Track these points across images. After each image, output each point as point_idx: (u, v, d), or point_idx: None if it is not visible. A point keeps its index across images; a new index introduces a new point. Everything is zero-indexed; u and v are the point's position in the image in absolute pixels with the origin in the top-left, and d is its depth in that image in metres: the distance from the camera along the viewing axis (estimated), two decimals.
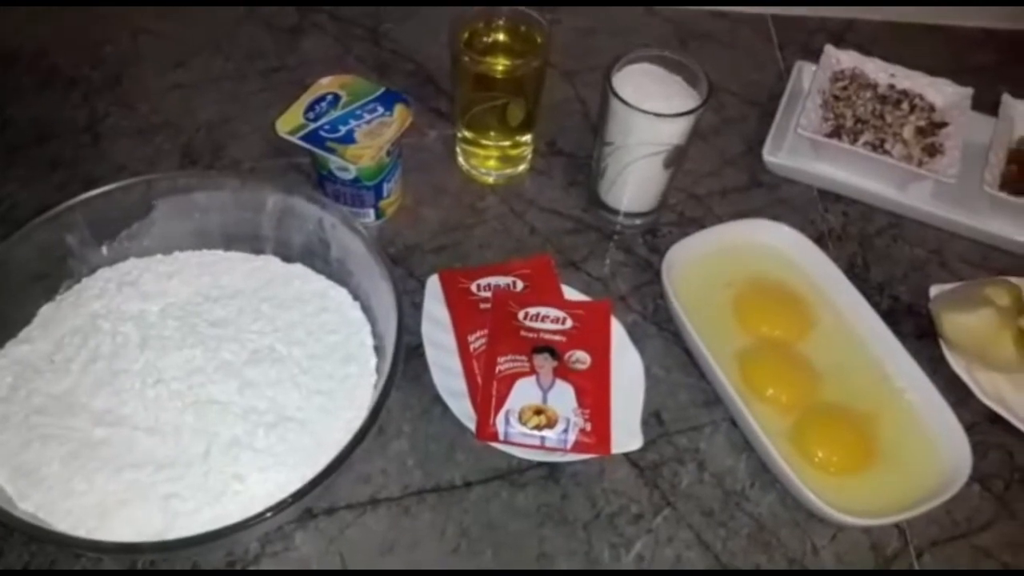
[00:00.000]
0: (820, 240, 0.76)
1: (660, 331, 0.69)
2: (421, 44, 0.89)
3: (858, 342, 0.66)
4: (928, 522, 0.60)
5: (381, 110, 0.69)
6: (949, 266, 0.75)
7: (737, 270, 0.70)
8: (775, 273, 0.70)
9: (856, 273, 0.74)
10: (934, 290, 0.70)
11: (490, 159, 0.77)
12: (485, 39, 0.72)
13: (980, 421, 0.65)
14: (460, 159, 0.78)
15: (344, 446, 0.49)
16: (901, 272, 0.74)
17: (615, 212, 0.75)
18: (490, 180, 0.78)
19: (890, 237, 0.77)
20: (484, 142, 0.76)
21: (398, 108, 0.69)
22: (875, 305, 0.71)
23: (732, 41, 0.93)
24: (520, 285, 0.69)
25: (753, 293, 0.68)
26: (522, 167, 0.79)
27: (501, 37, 0.72)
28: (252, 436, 0.52)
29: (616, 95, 0.65)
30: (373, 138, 0.68)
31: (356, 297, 0.62)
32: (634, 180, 0.71)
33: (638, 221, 0.75)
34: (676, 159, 0.69)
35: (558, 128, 0.82)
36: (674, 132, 0.66)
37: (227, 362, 0.55)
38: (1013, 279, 0.70)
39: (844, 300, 0.67)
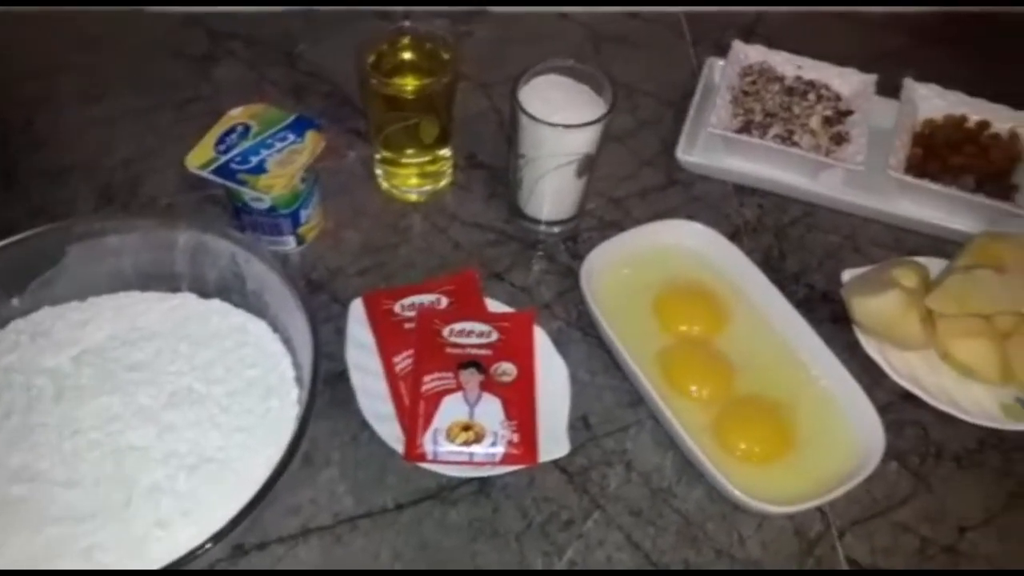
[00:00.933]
0: (736, 234, 0.78)
1: (585, 336, 0.70)
2: (336, 65, 0.89)
3: (774, 333, 0.68)
4: (849, 502, 0.62)
5: (292, 137, 0.69)
6: (862, 250, 0.77)
7: (655, 271, 0.71)
8: (691, 271, 0.71)
9: (772, 264, 0.76)
10: (846, 275, 0.72)
11: (410, 177, 0.78)
12: (392, 60, 0.72)
13: (895, 400, 0.67)
14: (380, 179, 0.79)
15: (259, 488, 0.49)
16: (816, 260, 0.76)
17: (536, 222, 0.76)
18: (412, 198, 0.78)
19: (804, 226, 0.79)
20: (402, 161, 0.76)
21: (309, 134, 0.70)
22: (791, 294, 0.73)
23: (646, 42, 0.94)
24: (445, 302, 0.70)
25: (671, 293, 0.70)
26: (443, 182, 0.79)
27: (408, 56, 0.72)
28: (173, 480, 0.52)
29: (522, 109, 0.66)
30: (285, 166, 0.68)
31: (275, 329, 0.62)
32: (550, 190, 0.72)
33: (558, 229, 0.76)
34: (588, 167, 0.70)
35: (476, 141, 0.83)
36: (582, 141, 0.67)
37: (145, 407, 0.55)
38: (921, 259, 0.72)
39: (759, 293, 0.69)
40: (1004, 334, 0.65)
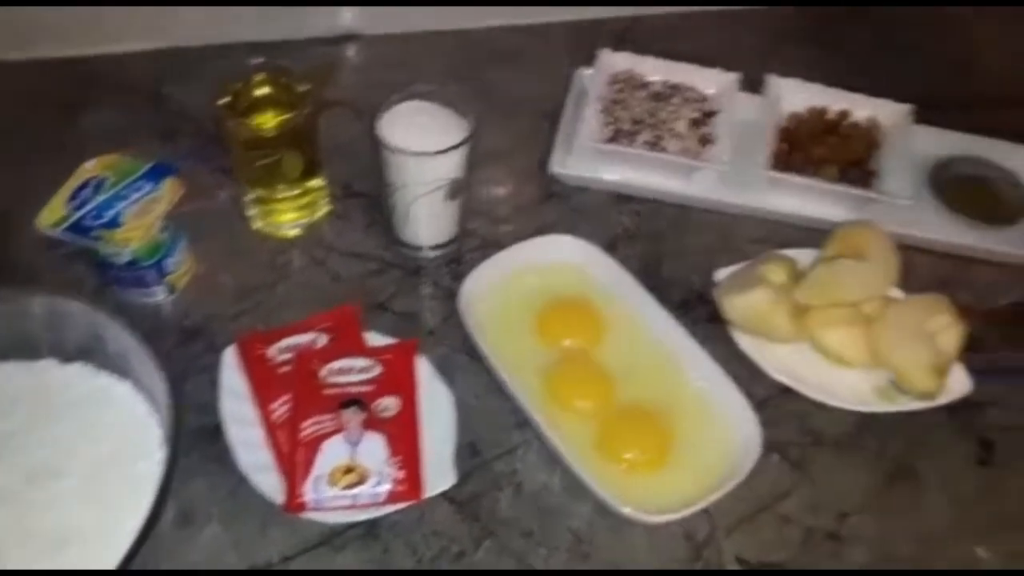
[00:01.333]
0: (615, 242, 0.78)
1: (471, 360, 0.70)
2: (204, 103, 0.87)
3: (651, 340, 0.68)
4: (734, 500, 0.63)
5: (149, 187, 0.68)
6: (737, 248, 0.78)
7: (534, 288, 0.71)
8: (570, 285, 0.72)
9: (650, 269, 0.76)
10: (719, 274, 0.73)
11: (283, 212, 0.76)
12: (248, 97, 0.71)
13: (774, 393, 0.69)
14: (253, 217, 0.77)
15: (123, 556, 0.47)
16: (692, 261, 0.77)
17: (415, 247, 0.75)
18: (288, 233, 0.77)
19: (680, 228, 0.80)
20: (272, 197, 0.75)
21: (167, 182, 0.68)
22: (670, 297, 0.74)
23: (522, 55, 0.94)
24: (323, 340, 0.69)
25: (550, 308, 0.70)
26: (319, 214, 0.78)
27: (264, 92, 0.71)
28: (35, 562, 0.50)
29: (380, 140, 0.65)
30: (142, 217, 0.66)
31: (140, 389, 0.60)
32: (423, 216, 0.71)
33: (439, 252, 0.76)
34: (459, 190, 0.70)
35: (352, 168, 0.82)
36: (448, 167, 0.67)
37: (3, 487, 0.53)
38: (793, 251, 0.74)
39: (635, 301, 0.70)
40: (870, 319, 0.67)
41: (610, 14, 0.97)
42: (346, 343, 0.69)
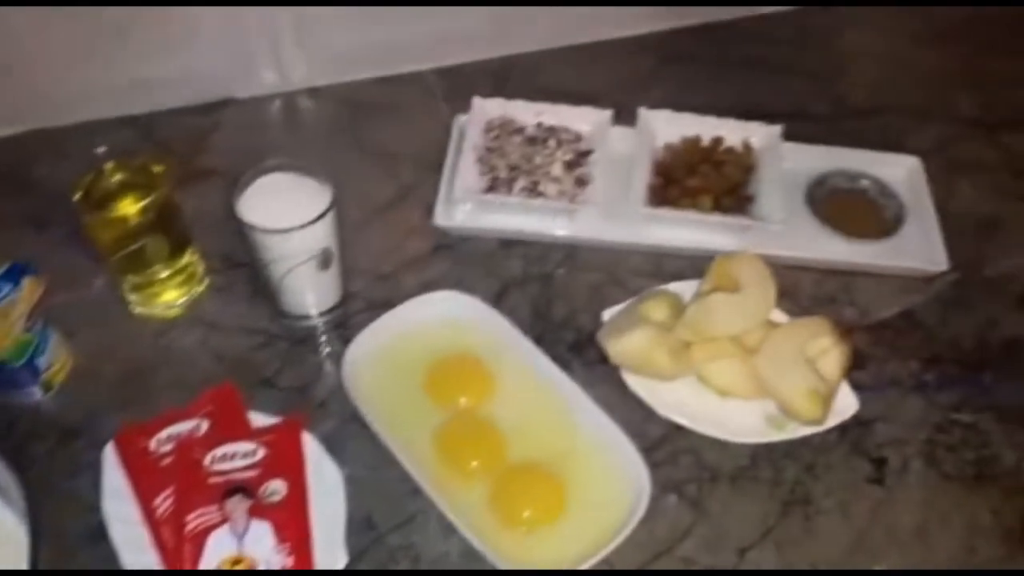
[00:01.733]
0: (505, 289, 0.78)
1: (364, 429, 0.68)
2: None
3: (540, 392, 0.68)
4: (634, 547, 0.62)
5: (6, 288, 0.65)
6: (625, 284, 0.78)
7: (421, 347, 0.71)
8: (456, 341, 0.71)
9: (540, 313, 0.76)
10: (606, 315, 0.73)
11: (160, 293, 0.74)
12: (105, 186, 0.69)
13: (669, 431, 0.69)
14: (133, 301, 0.75)
15: None
16: (581, 301, 0.77)
17: (299, 316, 0.74)
18: (168, 313, 0.75)
19: (568, 269, 0.79)
20: (146, 280, 0.73)
21: (26, 282, 0.66)
22: (561, 340, 0.74)
23: (400, 105, 0.93)
24: (205, 426, 0.67)
25: (438, 367, 0.69)
26: (199, 289, 0.76)
27: (119, 178, 0.69)
28: None
29: (238, 218, 0.64)
30: (2, 320, 0.64)
31: (8, 502, 0.57)
32: (299, 287, 0.70)
33: (325, 319, 0.74)
34: (329, 259, 0.68)
35: (232, 239, 0.78)
36: (312, 239, 0.66)
37: None
38: (676, 285, 0.74)
39: (522, 353, 0.69)
40: (752, 349, 0.67)
41: (478, 56, 0.97)
42: (229, 427, 0.67)
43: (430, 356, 0.70)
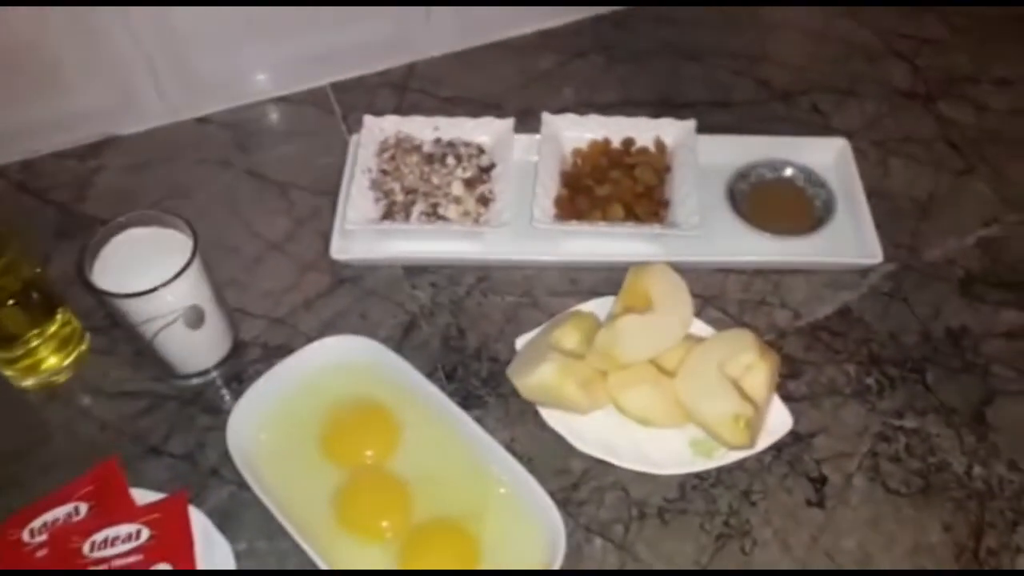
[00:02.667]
0: (413, 321, 0.72)
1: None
2: None
3: (448, 439, 0.62)
4: None
5: None
6: (540, 304, 0.72)
7: (316, 400, 0.64)
8: (355, 390, 0.65)
9: (452, 344, 0.71)
10: (519, 342, 0.68)
11: (34, 364, 0.68)
12: None
13: (592, 466, 0.64)
14: (12, 376, 0.68)
15: None
16: (496, 328, 0.71)
17: (186, 375, 0.68)
18: (57, 380, 0.68)
19: (480, 293, 0.74)
20: (13, 354, 0.66)
21: None
22: (474, 375, 0.69)
23: (295, 127, 0.87)
24: (84, 509, 0.61)
25: (335, 421, 0.63)
26: (79, 351, 0.70)
27: None
28: None
29: (87, 284, 0.58)
30: None
31: None
32: (174, 348, 0.64)
33: (215, 373, 0.68)
34: (199, 317, 0.62)
35: None
36: (176, 297, 0.59)
37: None
38: (592, 304, 0.69)
39: (427, 398, 0.63)
40: (671, 372, 0.62)
41: (378, 65, 0.90)
42: (110, 508, 0.61)
43: (326, 409, 0.64)
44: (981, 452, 0.63)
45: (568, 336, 0.64)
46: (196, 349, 0.65)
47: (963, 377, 0.67)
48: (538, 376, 0.60)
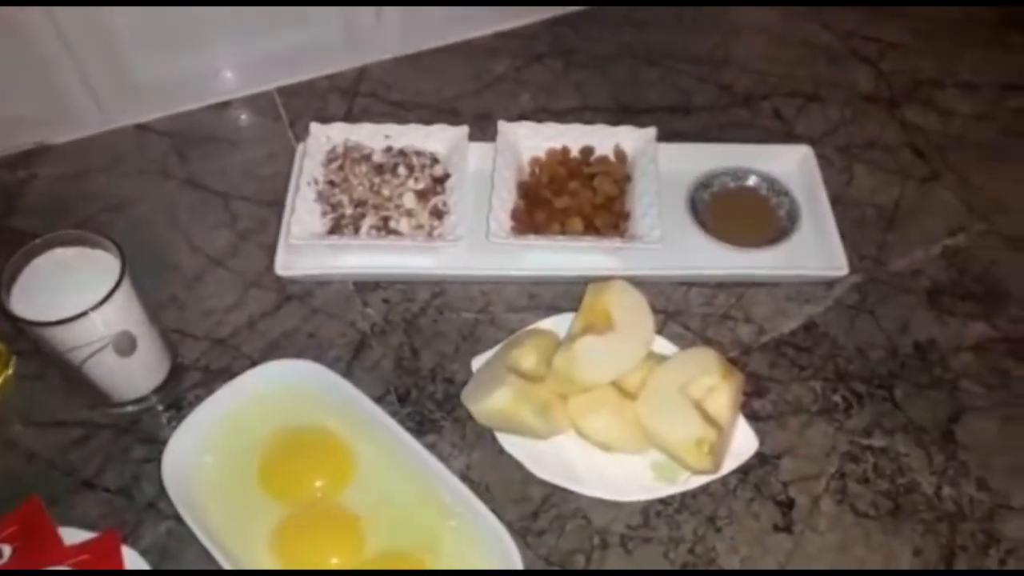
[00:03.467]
0: (364, 341, 0.69)
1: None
2: None
3: (399, 469, 0.59)
4: None
5: None
6: (498, 321, 0.69)
7: (261, 429, 0.61)
8: (303, 418, 0.61)
9: (406, 365, 0.67)
10: (475, 363, 0.65)
11: None
12: None
13: (552, 492, 0.61)
14: None
15: None
16: (451, 347, 0.68)
17: (121, 403, 0.64)
18: None
19: (436, 310, 0.70)
20: None
21: None
22: (429, 397, 0.65)
23: (240, 134, 0.83)
24: (8, 552, 0.57)
25: (281, 452, 0.60)
26: (8, 372, 0.66)
27: None
28: None
29: (3, 310, 0.53)
30: None
31: None
32: (104, 376, 0.60)
33: (153, 399, 0.64)
34: (129, 343, 0.58)
35: None
36: (104, 323, 0.55)
37: None
38: (551, 321, 0.66)
39: (376, 425, 0.60)
40: (633, 394, 0.59)
41: (327, 69, 0.86)
42: (37, 550, 0.56)
43: (271, 439, 0.60)
44: (950, 472, 0.62)
45: (526, 357, 0.61)
46: (130, 376, 0.61)
47: (931, 393, 0.65)
48: (493, 402, 0.57)
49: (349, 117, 0.83)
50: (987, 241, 0.75)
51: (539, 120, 0.80)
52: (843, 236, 0.71)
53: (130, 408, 0.64)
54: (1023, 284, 0.71)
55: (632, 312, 0.60)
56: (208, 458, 0.59)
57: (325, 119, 0.81)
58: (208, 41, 0.80)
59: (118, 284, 0.54)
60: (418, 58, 0.88)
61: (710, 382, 0.59)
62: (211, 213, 0.76)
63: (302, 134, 0.79)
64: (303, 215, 0.69)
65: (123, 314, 0.56)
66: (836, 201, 0.75)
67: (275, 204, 0.75)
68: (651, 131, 0.74)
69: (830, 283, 0.71)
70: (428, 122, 0.80)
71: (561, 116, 0.83)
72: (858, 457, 0.62)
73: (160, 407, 0.65)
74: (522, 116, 0.82)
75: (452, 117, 0.83)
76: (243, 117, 0.84)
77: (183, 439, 0.59)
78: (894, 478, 0.61)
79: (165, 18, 0.76)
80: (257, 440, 0.60)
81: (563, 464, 0.60)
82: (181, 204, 0.77)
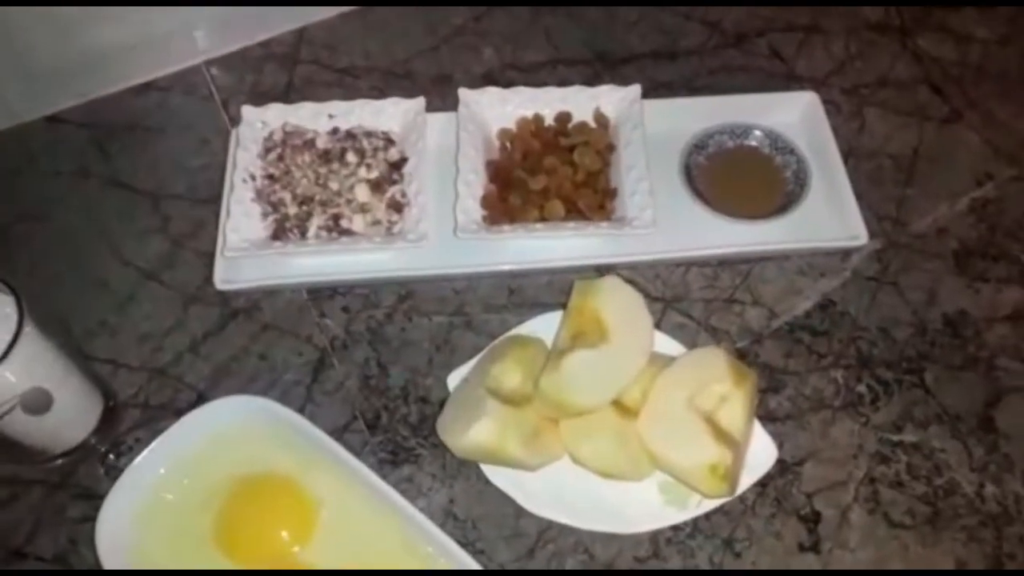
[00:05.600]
0: (321, 362, 0.60)
1: None
2: None
3: (370, 516, 0.51)
4: None
5: None
6: (475, 324, 0.61)
7: (208, 481, 0.53)
8: (256, 464, 0.53)
9: (374, 385, 0.59)
10: (451, 380, 0.57)
11: None
12: None
13: (550, 526, 0.53)
14: None
15: None
16: (424, 359, 0.60)
17: (47, 458, 0.55)
18: None
19: (403, 316, 0.62)
20: None
21: None
22: (402, 421, 0.58)
23: (166, 119, 0.72)
24: None
25: (231, 507, 0.52)
26: None
27: None
28: None
29: None
30: None
31: None
32: (23, 435, 0.51)
33: (86, 448, 0.56)
34: (42, 401, 0.50)
35: None
36: (7, 382, 0.47)
37: None
38: (534, 323, 0.58)
39: (341, 467, 0.52)
40: (633, 411, 0.52)
41: (261, 34, 0.75)
42: None
43: (221, 492, 0.52)
44: (992, 467, 0.55)
45: (508, 374, 0.53)
46: (51, 432, 0.53)
47: (966, 375, 0.58)
48: (473, 436, 0.49)
49: (290, 91, 0.72)
50: (1018, 188, 0.66)
51: (507, 80, 0.70)
52: (858, 197, 0.63)
53: (60, 461, 0.56)
54: None
55: (626, 314, 0.52)
56: (151, 519, 0.51)
57: (262, 95, 0.71)
58: (117, 12, 0.69)
59: (16, 337, 0.46)
60: (364, 14, 0.77)
61: (721, 390, 0.51)
62: (140, 217, 0.67)
63: (237, 115, 0.68)
64: (239, 219, 0.59)
65: (29, 369, 0.47)
66: (848, 154, 0.66)
67: (211, 201, 0.66)
68: (635, 89, 0.64)
69: (846, 252, 0.63)
70: (380, 89, 0.71)
71: (531, 73, 0.73)
72: (889, 457, 0.55)
73: (96, 456, 0.57)
74: (487, 76, 0.73)
75: (407, 82, 0.73)
76: (169, 100, 0.73)
77: (120, 501, 0.51)
78: (930, 479, 0.55)
79: None
80: (207, 493, 0.52)
81: (558, 495, 0.52)
82: (106, 208, 0.68)
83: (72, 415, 0.54)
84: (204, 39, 0.73)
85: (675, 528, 0.53)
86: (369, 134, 0.63)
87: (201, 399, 0.58)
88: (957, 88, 0.72)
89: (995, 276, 0.62)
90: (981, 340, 0.59)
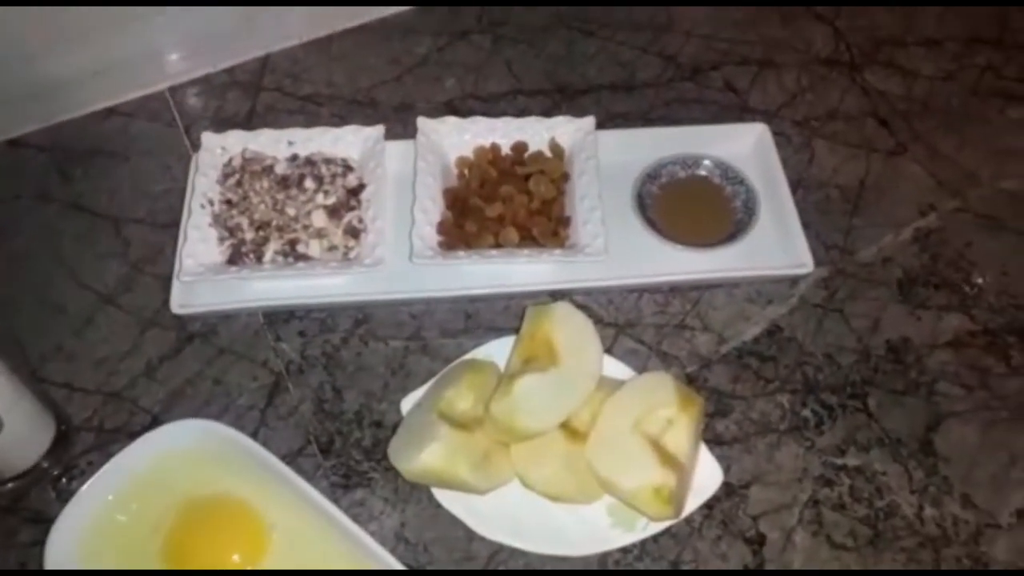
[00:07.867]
0: (276, 386, 0.61)
1: None
2: None
3: (320, 541, 0.51)
4: None
5: None
6: (431, 349, 0.62)
7: (161, 502, 0.53)
8: (208, 487, 0.53)
9: (328, 409, 0.60)
10: (405, 404, 0.57)
11: None
12: None
13: (499, 550, 0.54)
14: None
15: None
16: (379, 383, 0.61)
17: (1, 481, 0.55)
18: None
19: (359, 340, 0.62)
20: None
21: None
22: (356, 445, 0.58)
23: (128, 145, 0.73)
24: None
25: (181, 530, 0.52)
26: None
27: None
28: None
29: None
30: None
31: None
32: None
33: (38, 471, 0.56)
34: None
35: None
36: None
37: None
38: (489, 347, 0.59)
39: (293, 491, 0.52)
40: (582, 434, 0.53)
41: (227, 62, 0.76)
42: None
43: (171, 514, 0.52)
44: (932, 489, 0.56)
45: (461, 398, 0.53)
46: (2, 455, 0.53)
47: (907, 400, 0.60)
48: (424, 460, 0.50)
49: (253, 117, 0.74)
50: (959, 220, 0.68)
51: (468, 109, 0.72)
52: (806, 226, 0.64)
53: (11, 485, 0.56)
54: (999, 268, 0.66)
55: (577, 339, 0.53)
56: (101, 543, 0.51)
57: (225, 121, 0.72)
58: (81, 37, 0.70)
59: None
60: (328, 42, 0.79)
61: (667, 414, 0.52)
62: (100, 241, 0.67)
63: (199, 140, 0.69)
64: (196, 244, 0.60)
65: None
66: (797, 184, 0.68)
67: (171, 226, 0.66)
68: (589, 121, 0.66)
69: (794, 280, 0.64)
70: (342, 117, 0.72)
71: (492, 102, 0.75)
72: (832, 480, 0.57)
73: (47, 479, 0.57)
74: (448, 105, 0.75)
75: (369, 110, 0.74)
76: (131, 125, 0.74)
77: (70, 525, 0.51)
78: (872, 501, 0.56)
79: (31, 12, 0.66)
80: (157, 516, 0.52)
81: (508, 518, 0.53)
82: (65, 232, 0.68)
83: (22, 439, 0.54)
84: (170, 65, 0.74)
85: (623, 551, 0.54)
86: (328, 161, 0.64)
87: (155, 423, 0.59)
88: (903, 122, 0.74)
89: (936, 304, 0.64)
90: (922, 366, 0.61)
